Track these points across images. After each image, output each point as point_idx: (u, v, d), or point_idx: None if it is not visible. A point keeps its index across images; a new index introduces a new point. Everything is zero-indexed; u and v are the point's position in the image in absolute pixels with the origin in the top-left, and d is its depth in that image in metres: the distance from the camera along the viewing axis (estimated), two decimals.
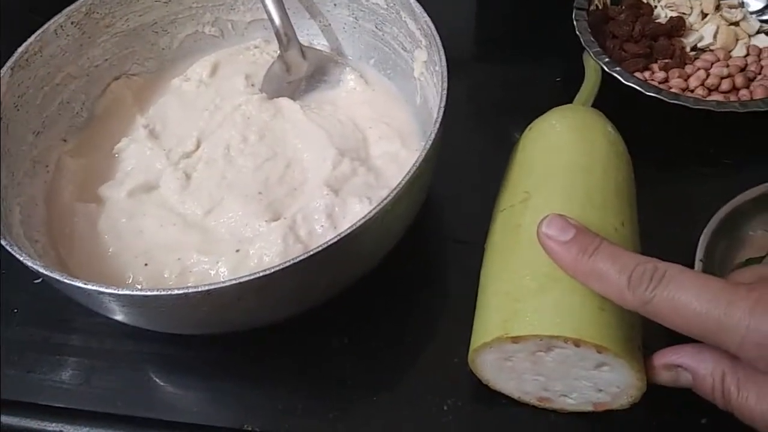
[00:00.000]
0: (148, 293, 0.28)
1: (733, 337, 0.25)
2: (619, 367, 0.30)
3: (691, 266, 0.35)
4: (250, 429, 0.35)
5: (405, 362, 0.37)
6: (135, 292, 0.29)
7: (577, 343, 0.29)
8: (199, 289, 0.28)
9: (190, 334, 0.37)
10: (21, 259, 0.30)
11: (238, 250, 0.36)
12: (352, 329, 0.38)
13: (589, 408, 0.33)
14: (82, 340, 0.39)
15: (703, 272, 0.33)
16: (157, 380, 0.38)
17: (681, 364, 0.29)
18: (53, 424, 0.36)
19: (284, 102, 0.43)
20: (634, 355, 0.30)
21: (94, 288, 0.29)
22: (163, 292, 0.28)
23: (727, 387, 0.27)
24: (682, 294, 0.26)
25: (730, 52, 0.49)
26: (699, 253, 0.35)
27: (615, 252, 0.28)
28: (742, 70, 0.46)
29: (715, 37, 0.50)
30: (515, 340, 0.30)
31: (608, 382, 0.31)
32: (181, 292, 0.28)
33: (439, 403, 0.35)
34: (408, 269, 0.40)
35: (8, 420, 0.36)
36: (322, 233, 0.36)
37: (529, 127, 0.39)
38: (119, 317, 0.33)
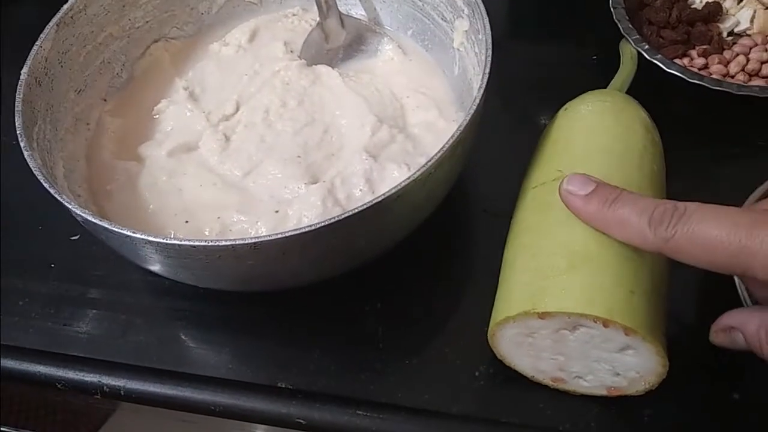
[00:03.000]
0: (197, 243, 0.29)
1: (758, 257, 0.25)
2: (645, 352, 0.30)
3: None
4: (283, 386, 0.35)
5: (436, 329, 0.38)
6: (184, 242, 0.29)
7: (606, 324, 0.29)
8: (246, 242, 0.29)
9: (225, 293, 0.38)
10: (70, 207, 0.31)
11: (277, 211, 0.36)
12: (385, 295, 0.38)
13: (603, 392, 0.33)
14: (118, 295, 0.40)
15: None
16: (192, 336, 0.39)
17: (733, 326, 0.30)
18: (91, 375, 0.36)
19: (323, 69, 0.43)
20: (661, 341, 0.30)
21: (144, 237, 0.29)
22: (211, 243, 0.29)
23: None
24: (702, 226, 0.26)
25: (767, 36, 0.48)
26: None
27: (635, 198, 0.29)
28: None
29: (751, 21, 0.49)
30: (542, 316, 0.30)
31: (628, 367, 0.31)
32: (228, 243, 0.29)
33: (470, 369, 0.35)
34: (440, 239, 0.40)
35: (47, 370, 0.37)
36: (360, 197, 0.36)
37: (564, 107, 0.39)
38: (162, 269, 0.33)
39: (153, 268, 0.34)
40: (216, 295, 0.38)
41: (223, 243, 0.29)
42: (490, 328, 0.32)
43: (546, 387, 0.34)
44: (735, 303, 0.33)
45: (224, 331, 0.38)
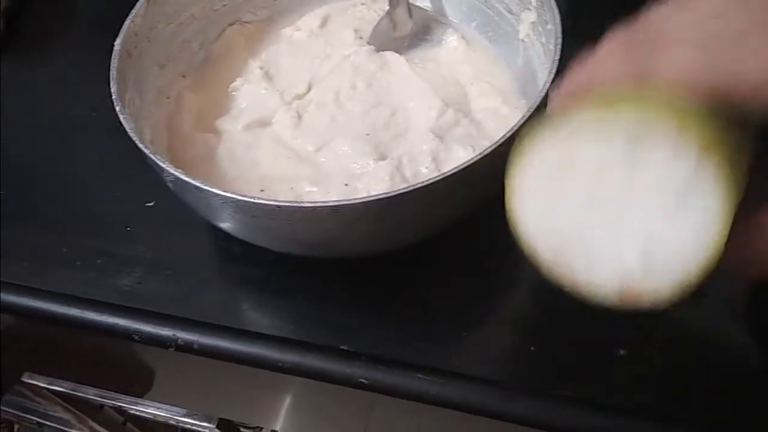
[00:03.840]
0: (282, 203, 0.31)
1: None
2: (710, 198, 0.22)
3: None
4: (345, 348, 0.37)
5: (494, 304, 0.39)
6: (270, 202, 0.31)
7: (681, 130, 0.22)
8: (328, 204, 0.31)
9: (291, 261, 0.40)
10: (164, 167, 0.33)
11: (347, 184, 0.38)
12: (444, 270, 0.40)
13: (613, 289, 0.24)
14: (188, 259, 0.42)
15: None
16: (258, 300, 0.41)
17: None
18: (166, 329, 0.39)
19: (391, 55, 0.45)
20: (734, 191, 0.22)
21: (232, 196, 0.31)
22: (295, 204, 0.31)
23: None
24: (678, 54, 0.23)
25: None
26: None
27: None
28: None
29: None
30: (606, 109, 0.23)
31: (672, 233, 0.23)
32: (310, 205, 0.31)
33: (526, 343, 0.37)
34: (498, 219, 0.42)
35: (126, 323, 0.39)
36: (427, 174, 0.38)
37: None
38: (241, 230, 0.36)
39: (233, 228, 0.36)
40: (283, 263, 0.40)
41: (306, 205, 0.31)
42: (513, 158, 0.25)
43: (600, 364, 0.35)
44: None
45: (289, 297, 0.40)
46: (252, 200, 0.31)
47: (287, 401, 0.52)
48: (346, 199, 0.31)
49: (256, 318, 0.40)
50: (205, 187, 0.32)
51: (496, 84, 0.44)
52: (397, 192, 0.31)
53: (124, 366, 0.56)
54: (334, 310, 0.39)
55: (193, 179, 0.32)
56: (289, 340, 0.38)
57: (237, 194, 0.31)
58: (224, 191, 0.32)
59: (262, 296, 0.41)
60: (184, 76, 0.46)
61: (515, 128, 0.33)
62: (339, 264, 0.40)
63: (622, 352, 0.36)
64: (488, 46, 0.46)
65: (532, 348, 0.37)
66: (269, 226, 0.33)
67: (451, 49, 0.47)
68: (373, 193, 0.37)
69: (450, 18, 0.48)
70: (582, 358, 0.36)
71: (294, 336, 0.38)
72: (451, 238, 0.38)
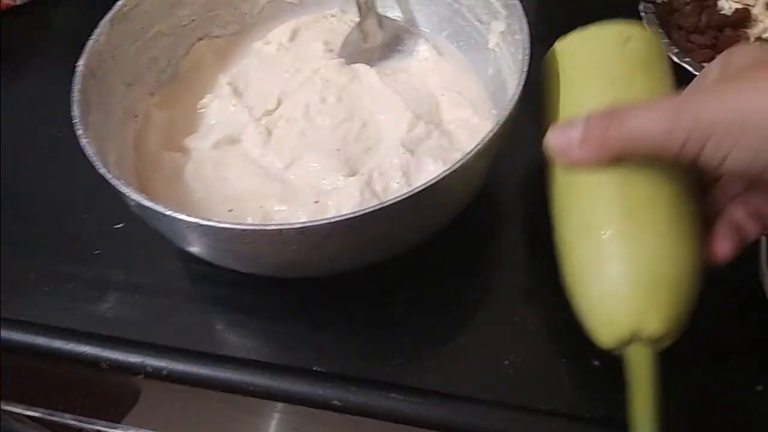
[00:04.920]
0: (247, 227, 0.30)
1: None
2: None
3: None
4: (318, 370, 0.37)
5: (467, 318, 0.39)
6: (234, 226, 0.30)
7: None
8: (294, 227, 0.30)
9: (262, 280, 0.39)
10: (126, 192, 0.32)
11: (317, 202, 0.38)
12: (417, 285, 0.40)
13: None
14: (160, 281, 0.42)
15: None
16: (231, 321, 0.40)
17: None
18: (135, 356, 0.38)
19: (361, 68, 0.45)
20: None
21: (196, 221, 0.31)
22: (260, 227, 0.30)
23: None
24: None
25: None
26: None
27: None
28: None
29: None
30: None
31: None
32: (276, 228, 0.30)
33: (500, 357, 0.36)
34: (472, 232, 0.42)
35: (93, 351, 0.38)
36: (397, 189, 0.37)
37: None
38: (209, 253, 0.35)
39: (200, 252, 0.35)
40: (254, 283, 0.40)
41: (271, 227, 0.30)
42: None
43: (575, 376, 0.35)
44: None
45: (261, 317, 0.40)
46: (216, 224, 0.31)
47: (272, 425, 0.52)
48: (312, 220, 0.30)
49: (228, 339, 0.39)
50: (168, 212, 0.31)
51: (467, 94, 0.43)
52: (364, 211, 0.30)
53: (101, 391, 0.55)
54: (306, 329, 0.39)
55: (156, 204, 0.32)
56: (260, 363, 0.37)
57: (201, 219, 0.31)
58: (188, 215, 0.31)
59: (233, 317, 0.40)
60: (151, 94, 0.45)
61: (485, 141, 0.33)
62: (310, 282, 0.39)
63: (596, 363, 0.35)
64: (459, 55, 0.46)
65: (506, 362, 0.36)
66: (235, 249, 0.33)
67: (422, 59, 0.46)
68: (344, 210, 0.37)
69: (421, 28, 0.48)
70: (557, 371, 0.35)
71: (266, 358, 0.38)
72: (423, 254, 0.37)
